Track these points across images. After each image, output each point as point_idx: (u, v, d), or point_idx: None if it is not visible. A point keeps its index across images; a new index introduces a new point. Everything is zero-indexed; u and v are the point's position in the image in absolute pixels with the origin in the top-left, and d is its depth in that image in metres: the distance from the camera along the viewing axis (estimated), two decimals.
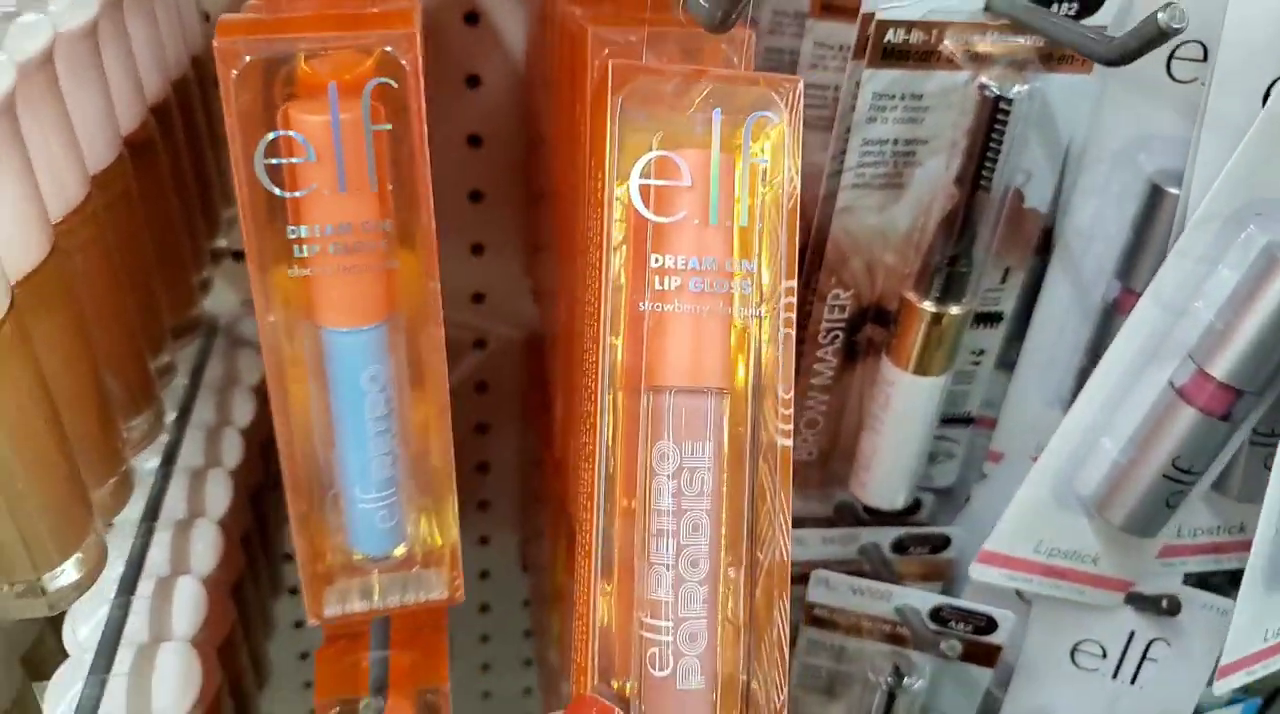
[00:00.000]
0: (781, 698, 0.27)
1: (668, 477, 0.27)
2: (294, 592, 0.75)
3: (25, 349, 0.29)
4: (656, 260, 0.27)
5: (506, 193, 0.62)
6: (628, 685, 0.27)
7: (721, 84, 0.27)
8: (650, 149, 0.27)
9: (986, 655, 0.44)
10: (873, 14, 0.34)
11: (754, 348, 0.28)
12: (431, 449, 0.35)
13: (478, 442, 0.73)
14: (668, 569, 0.26)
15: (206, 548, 0.49)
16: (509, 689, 0.85)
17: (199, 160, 0.52)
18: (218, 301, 0.59)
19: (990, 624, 0.42)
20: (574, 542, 0.42)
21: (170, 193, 0.46)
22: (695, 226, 0.27)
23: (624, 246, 0.28)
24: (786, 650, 0.27)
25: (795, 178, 0.27)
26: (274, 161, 0.28)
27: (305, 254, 0.30)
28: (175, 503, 0.51)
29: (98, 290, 0.36)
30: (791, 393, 0.27)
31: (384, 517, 0.35)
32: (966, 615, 0.43)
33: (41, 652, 0.54)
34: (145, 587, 0.46)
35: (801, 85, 0.27)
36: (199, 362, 0.58)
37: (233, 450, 0.55)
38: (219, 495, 0.52)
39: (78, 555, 0.34)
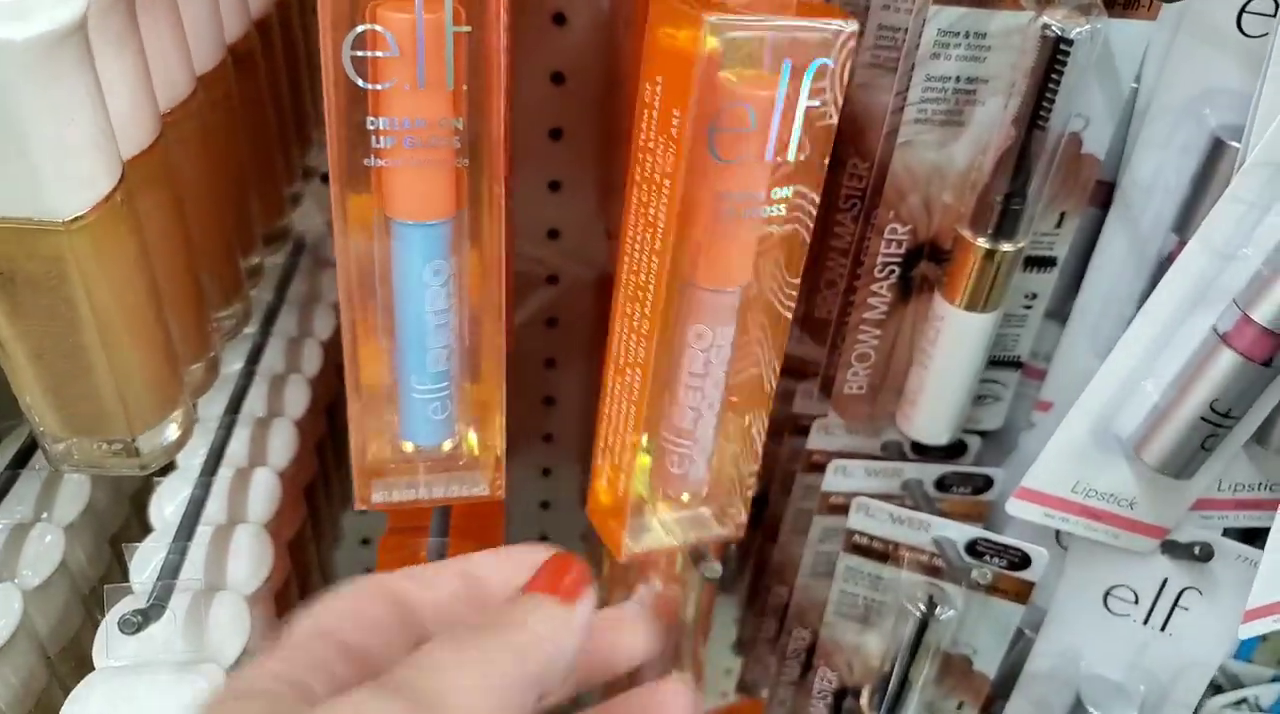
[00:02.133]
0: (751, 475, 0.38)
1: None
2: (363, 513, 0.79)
3: (133, 220, 0.32)
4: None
5: (586, 131, 0.63)
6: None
7: None
8: None
9: (1018, 592, 0.45)
10: None
11: None
12: (484, 348, 0.37)
13: (546, 376, 0.75)
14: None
15: (283, 445, 0.53)
16: None
17: (295, 80, 0.54)
18: (304, 221, 0.62)
19: (1024, 560, 0.44)
20: None
21: (267, 104, 0.49)
22: None
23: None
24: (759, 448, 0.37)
25: None
26: (360, 54, 0.29)
27: (381, 145, 0.31)
28: (255, 402, 0.54)
29: (197, 182, 0.39)
30: None
31: (436, 409, 0.36)
32: (1001, 549, 0.44)
33: (127, 535, 0.58)
34: (225, 474, 0.50)
35: None
36: (285, 276, 0.62)
37: (312, 360, 0.59)
38: (297, 399, 0.56)
39: (169, 420, 0.37)
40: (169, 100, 0.36)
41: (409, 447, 0.38)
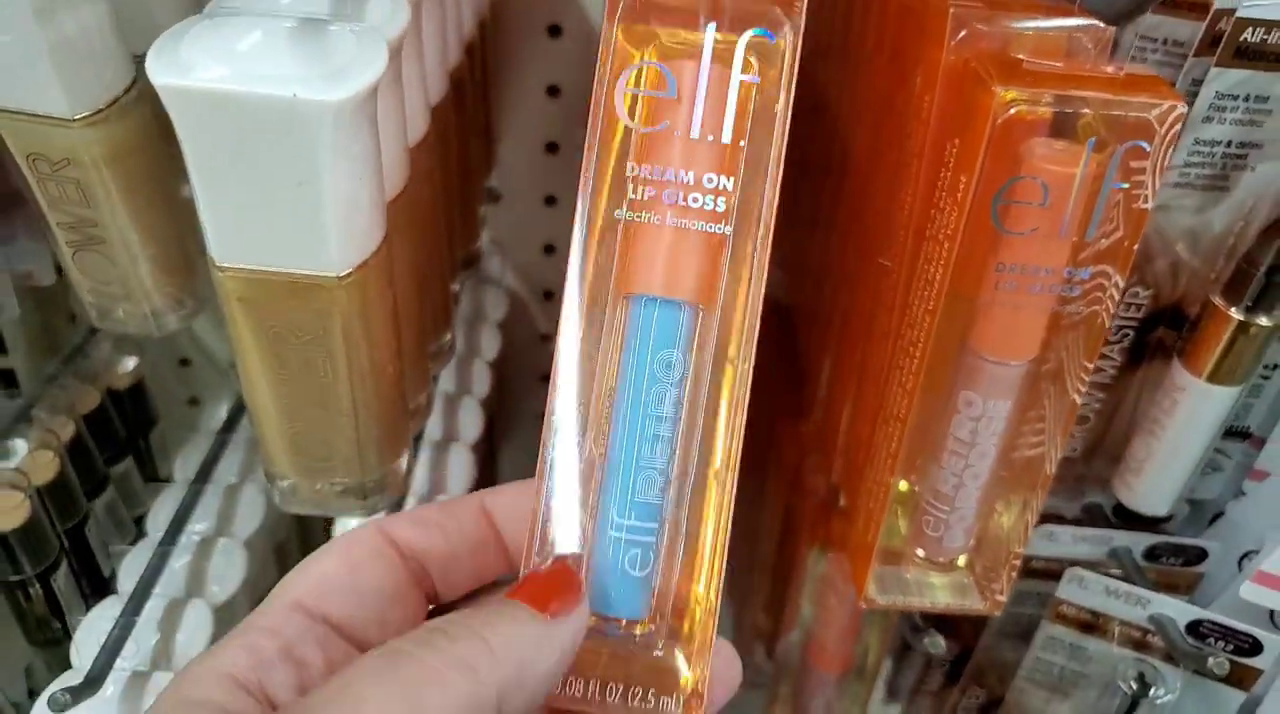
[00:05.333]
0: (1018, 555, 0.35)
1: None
2: None
3: (390, 272, 0.32)
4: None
5: (580, 145, 0.61)
6: None
7: None
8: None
9: (1241, 678, 0.42)
10: (1230, 10, 0.33)
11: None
12: (704, 497, 0.26)
13: (541, 392, 0.74)
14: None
15: (461, 470, 0.52)
16: None
17: (477, 110, 0.54)
18: None
19: (1255, 646, 0.41)
20: (799, 508, 0.43)
21: (468, 132, 0.48)
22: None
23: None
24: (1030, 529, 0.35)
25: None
26: (634, 91, 0.25)
27: (639, 196, 0.26)
28: (433, 425, 0.54)
29: (425, 216, 0.39)
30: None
31: (635, 559, 0.26)
32: (1229, 633, 0.42)
33: (289, 547, 0.59)
34: (409, 504, 0.50)
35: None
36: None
37: (482, 381, 0.58)
38: (471, 423, 0.55)
39: (395, 464, 0.37)
40: (413, 137, 0.36)
41: (594, 619, 0.26)
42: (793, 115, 0.26)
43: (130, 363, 0.62)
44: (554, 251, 0.67)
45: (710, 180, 0.26)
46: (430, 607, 0.27)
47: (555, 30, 0.57)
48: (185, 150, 0.27)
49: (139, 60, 0.37)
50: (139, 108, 0.36)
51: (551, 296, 0.70)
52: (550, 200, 0.64)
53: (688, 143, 0.25)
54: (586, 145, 0.27)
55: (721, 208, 0.25)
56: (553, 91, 0.59)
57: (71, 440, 0.54)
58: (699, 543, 0.26)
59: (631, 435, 0.26)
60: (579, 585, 0.24)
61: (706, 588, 0.26)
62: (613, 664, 0.26)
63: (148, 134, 0.37)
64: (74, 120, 0.34)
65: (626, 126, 0.26)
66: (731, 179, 0.26)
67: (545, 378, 0.74)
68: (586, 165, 0.26)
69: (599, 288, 0.26)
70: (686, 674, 0.26)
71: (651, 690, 0.25)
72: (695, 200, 0.25)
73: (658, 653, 0.26)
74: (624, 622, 0.26)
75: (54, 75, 0.33)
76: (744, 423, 0.25)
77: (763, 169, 0.25)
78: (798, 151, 0.57)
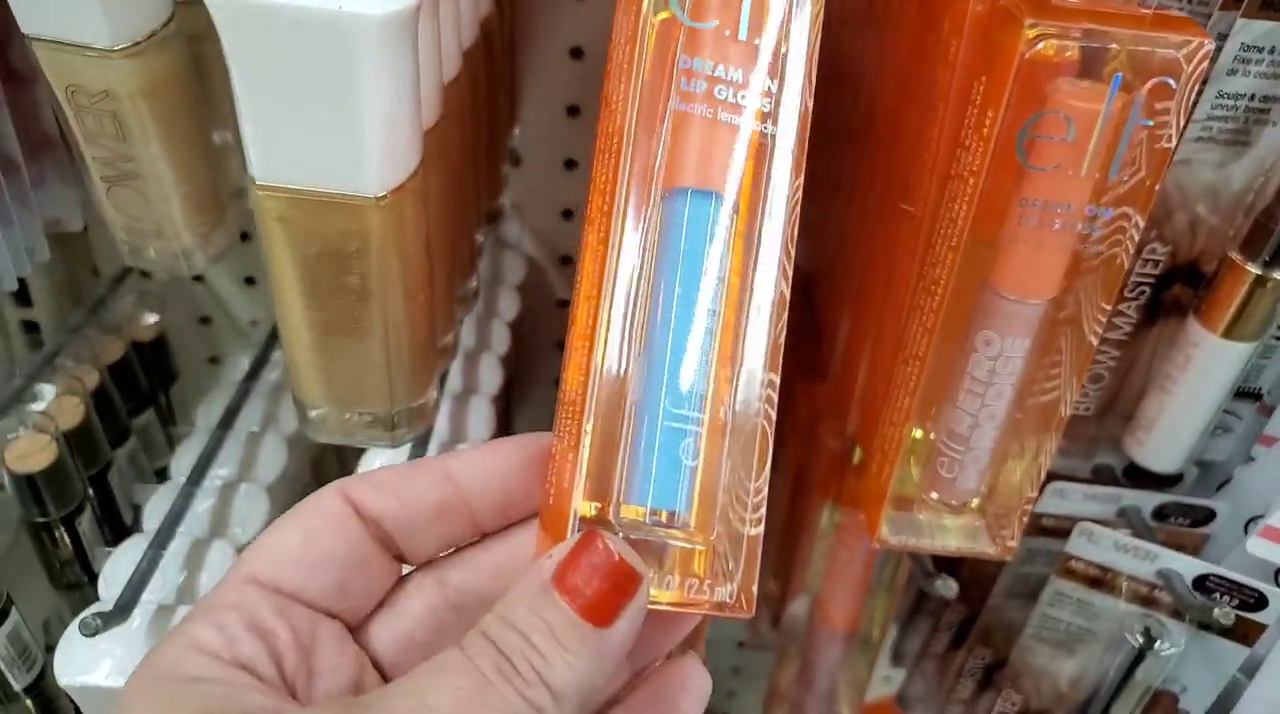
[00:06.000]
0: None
1: None
2: None
3: (425, 197, 0.32)
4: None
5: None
6: None
7: None
8: None
9: (1245, 633, 0.43)
10: None
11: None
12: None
13: (558, 358, 0.74)
14: None
15: (481, 421, 0.53)
16: None
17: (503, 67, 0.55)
18: None
19: (1260, 601, 0.42)
20: (812, 467, 0.44)
21: (495, 85, 0.49)
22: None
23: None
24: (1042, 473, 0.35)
25: None
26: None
27: (691, 88, 0.24)
28: (454, 378, 0.55)
29: (455, 155, 0.39)
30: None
31: (689, 448, 0.25)
32: (1235, 587, 0.42)
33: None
34: (431, 449, 0.50)
35: None
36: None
37: (501, 339, 0.59)
38: (491, 378, 0.56)
39: (426, 395, 0.37)
40: (448, 74, 0.37)
41: (634, 513, 0.25)
42: (816, 82, 0.26)
43: (153, 317, 0.63)
44: (572, 217, 0.67)
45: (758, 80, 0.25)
46: (405, 570, 0.27)
47: (577, 52, 0.58)
48: (231, 66, 0.28)
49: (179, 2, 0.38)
50: (176, 42, 0.37)
51: (569, 262, 0.70)
52: (570, 164, 0.65)
53: (736, 43, 0.25)
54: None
55: (768, 108, 0.25)
56: (576, 53, 0.60)
57: (96, 388, 0.55)
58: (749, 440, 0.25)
59: (683, 325, 0.25)
60: (636, 577, 0.22)
61: (753, 484, 0.25)
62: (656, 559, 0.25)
63: (183, 69, 0.37)
64: (114, 51, 0.35)
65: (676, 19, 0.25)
66: (775, 80, 0.25)
67: (561, 344, 0.75)
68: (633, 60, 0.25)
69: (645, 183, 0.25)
70: (739, 574, 0.25)
71: (706, 582, 0.25)
72: (744, 97, 0.25)
73: (701, 545, 0.25)
74: (666, 514, 0.25)
75: (97, 4, 0.34)
76: (785, 322, 0.25)
77: (801, 73, 0.25)
78: (818, 119, 0.58)
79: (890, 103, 0.42)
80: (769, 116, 0.25)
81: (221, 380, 0.63)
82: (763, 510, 0.25)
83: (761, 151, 0.25)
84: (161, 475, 0.60)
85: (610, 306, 0.24)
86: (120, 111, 0.37)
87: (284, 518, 0.25)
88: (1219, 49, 0.35)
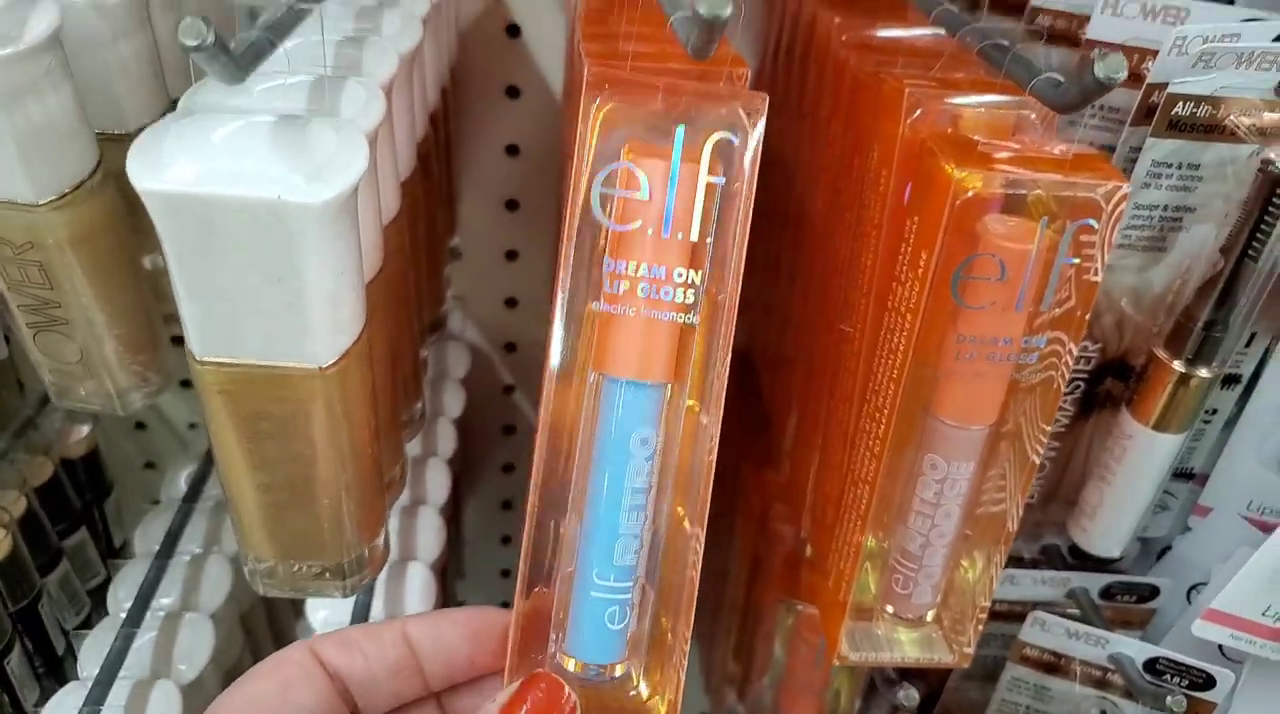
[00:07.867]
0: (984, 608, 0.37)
1: None
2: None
3: (369, 357, 0.32)
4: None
5: (540, 202, 0.63)
6: None
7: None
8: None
9: (1196, 712, 0.44)
10: (1164, 84, 0.35)
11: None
12: (674, 553, 0.29)
13: (505, 443, 0.76)
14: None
15: (430, 533, 0.52)
16: None
17: (442, 172, 0.55)
18: None
19: (1208, 681, 0.43)
20: (767, 556, 0.44)
21: (434, 200, 0.49)
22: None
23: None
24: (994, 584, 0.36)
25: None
26: (608, 191, 0.27)
27: (614, 290, 0.27)
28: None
29: (399, 291, 0.39)
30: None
31: (615, 615, 0.29)
32: (1183, 669, 0.43)
33: (255, 615, 0.58)
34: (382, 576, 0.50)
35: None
36: None
37: (448, 440, 0.59)
38: (439, 485, 0.55)
39: (375, 541, 0.37)
40: (386, 217, 0.36)
41: (571, 664, 0.29)
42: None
43: (84, 429, 0.61)
44: (516, 305, 0.68)
45: (680, 274, 0.27)
46: None
47: (514, 91, 0.58)
48: (167, 251, 0.27)
49: (104, 140, 0.37)
50: (104, 187, 0.36)
51: (514, 349, 0.70)
52: (511, 255, 0.65)
53: (659, 241, 0.27)
54: (565, 238, 0.28)
55: (690, 300, 0.27)
56: (512, 150, 0.60)
57: (23, 516, 0.53)
58: (670, 589, 0.29)
59: (612, 505, 0.28)
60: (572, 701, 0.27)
61: (675, 628, 0.29)
62: (593, 704, 0.29)
63: (114, 213, 0.37)
64: (39, 205, 0.34)
65: (602, 224, 0.27)
66: (699, 272, 0.28)
67: (509, 429, 0.75)
68: (565, 261, 0.27)
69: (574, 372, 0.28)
70: (661, 707, 0.29)
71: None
72: (666, 293, 0.27)
73: (633, 691, 0.30)
74: (603, 666, 0.29)
75: (18, 163, 0.33)
76: (711, 482, 0.28)
77: (726, 263, 0.28)
78: (758, 196, 0.58)
79: (824, 203, 0.42)
80: (691, 307, 0.27)
81: (161, 496, 0.61)
82: None
83: (687, 339, 0.28)
84: (96, 595, 0.58)
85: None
86: (47, 261, 0.36)
87: (254, 670, 0.27)
88: (1132, 162, 0.37)
